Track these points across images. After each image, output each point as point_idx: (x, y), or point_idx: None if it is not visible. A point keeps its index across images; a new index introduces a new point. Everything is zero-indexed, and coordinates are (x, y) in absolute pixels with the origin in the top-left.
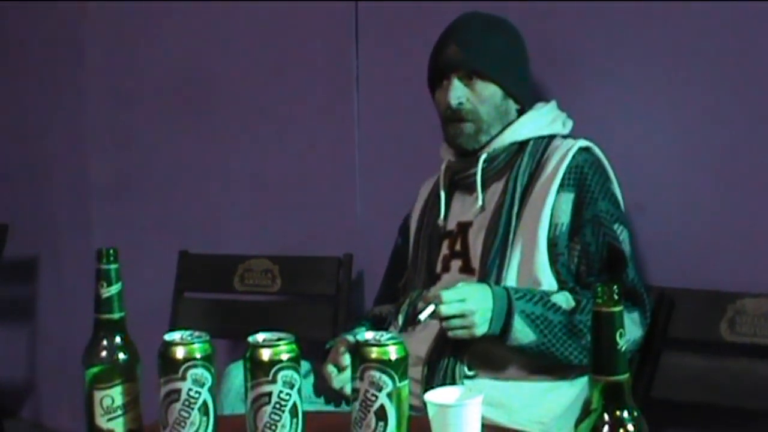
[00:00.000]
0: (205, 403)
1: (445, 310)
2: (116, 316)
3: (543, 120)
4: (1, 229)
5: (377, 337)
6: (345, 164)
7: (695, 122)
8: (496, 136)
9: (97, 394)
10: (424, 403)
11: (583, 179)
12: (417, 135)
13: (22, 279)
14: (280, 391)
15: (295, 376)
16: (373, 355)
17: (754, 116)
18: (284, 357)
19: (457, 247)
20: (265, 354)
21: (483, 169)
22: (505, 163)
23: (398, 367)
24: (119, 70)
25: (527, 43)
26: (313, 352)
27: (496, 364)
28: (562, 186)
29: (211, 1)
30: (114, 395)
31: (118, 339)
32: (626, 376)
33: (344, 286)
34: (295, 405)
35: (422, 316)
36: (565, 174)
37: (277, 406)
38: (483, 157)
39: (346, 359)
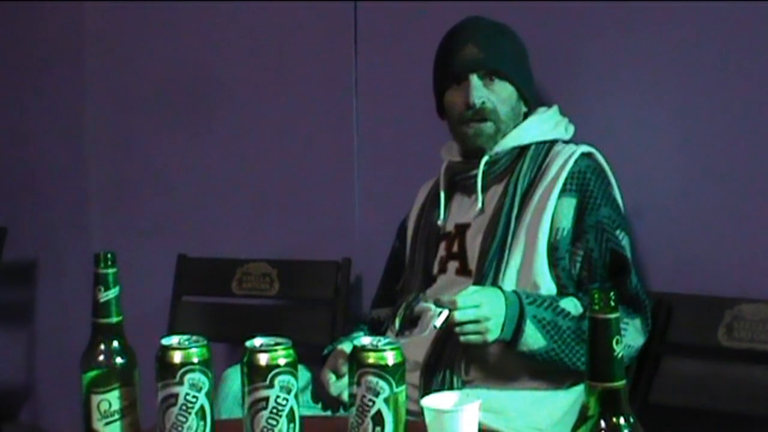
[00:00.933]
0: (202, 407)
1: (459, 316)
2: (114, 320)
3: (545, 125)
4: (0, 233)
5: (374, 342)
6: (343, 168)
7: (695, 128)
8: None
9: (95, 398)
10: (422, 409)
11: (586, 185)
12: (416, 138)
13: (21, 282)
14: (277, 396)
15: (293, 380)
16: (370, 360)
17: (754, 122)
18: (281, 362)
19: (455, 248)
20: (263, 359)
21: (484, 172)
22: (506, 167)
23: (395, 373)
24: (118, 73)
25: (529, 47)
26: (311, 356)
27: (494, 369)
28: (563, 191)
29: (210, 3)
30: (111, 399)
31: (115, 343)
32: (623, 382)
33: (342, 290)
34: (292, 410)
35: (437, 323)
36: (567, 179)
37: (274, 410)
38: (485, 159)
39: (345, 366)
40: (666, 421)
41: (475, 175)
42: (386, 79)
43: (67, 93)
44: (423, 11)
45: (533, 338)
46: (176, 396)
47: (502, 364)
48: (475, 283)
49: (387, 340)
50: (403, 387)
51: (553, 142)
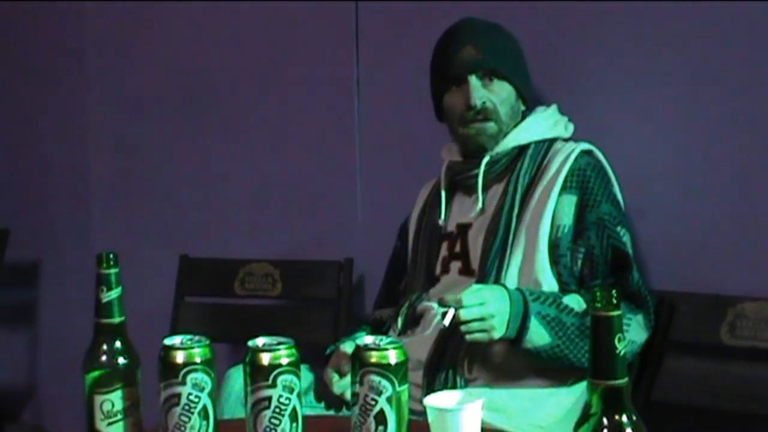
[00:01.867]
0: (205, 407)
1: (465, 314)
2: (116, 320)
3: (545, 124)
4: (2, 234)
5: (377, 342)
6: (346, 168)
7: (696, 126)
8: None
9: (98, 399)
10: (424, 408)
11: (586, 182)
12: (418, 138)
13: (23, 283)
14: (280, 396)
15: (295, 380)
16: (373, 360)
17: (756, 120)
18: (284, 361)
19: (457, 248)
20: (265, 358)
21: (484, 171)
22: (506, 166)
23: (398, 372)
24: (120, 74)
25: (528, 46)
26: (314, 355)
27: (497, 368)
28: (564, 188)
29: (210, 3)
30: (114, 400)
31: (118, 343)
32: (625, 380)
33: (345, 290)
34: (294, 409)
35: (446, 321)
36: (567, 177)
37: (277, 410)
38: (486, 159)
39: (347, 364)
40: (668, 419)
41: (476, 175)
42: (388, 79)
43: (68, 94)
44: (424, 11)
45: (538, 335)
46: (179, 396)
47: (505, 362)
48: (477, 282)
49: (389, 339)
50: (405, 386)
51: (552, 141)
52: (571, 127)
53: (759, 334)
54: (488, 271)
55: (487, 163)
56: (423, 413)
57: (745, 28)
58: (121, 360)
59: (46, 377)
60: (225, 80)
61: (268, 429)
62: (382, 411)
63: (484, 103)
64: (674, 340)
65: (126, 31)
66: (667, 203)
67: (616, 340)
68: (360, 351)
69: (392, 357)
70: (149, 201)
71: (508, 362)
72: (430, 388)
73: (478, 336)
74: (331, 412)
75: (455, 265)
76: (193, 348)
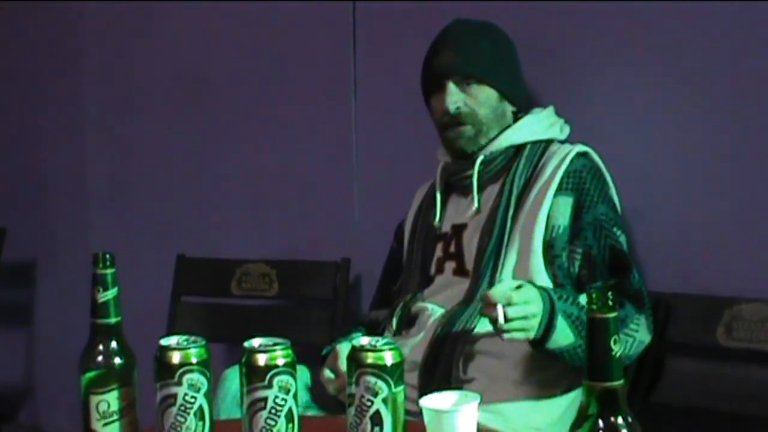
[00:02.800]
0: (201, 407)
1: (512, 312)
2: (112, 320)
3: (540, 124)
4: None
5: (373, 342)
6: (342, 168)
7: (692, 127)
8: (494, 138)
9: (93, 399)
10: (420, 408)
11: (582, 184)
12: (414, 139)
13: (20, 283)
14: (276, 396)
15: (291, 381)
16: (369, 361)
17: (752, 122)
18: (280, 362)
19: (451, 249)
20: (261, 359)
21: (479, 172)
22: (501, 167)
23: (394, 373)
24: (117, 74)
25: (524, 48)
26: (311, 356)
27: (492, 368)
28: (559, 189)
29: (209, 3)
30: (110, 400)
31: (114, 344)
32: (621, 382)
33: (341, 290)
34: (290, 410)
35: (501, 319)
36: (563, 178)
37: (273, 411)
38: (480, 159)
39: (344, 365)
40: (665, 420)
41: (471, 176)
42: (385, 79)
43: (66, 93)
44: (421, 12)
45: (564, 334)
46: (175, 396)
47: (499, 362)
48: (472, 283)
49: (385, 340)
50: (401, 387)
51: (548, 142)
52: (567, 129)
53: (755, 336)
54: (483, 272)
55: (481, 164)
56: (419, 414)
57: (743, 28)
58: (117, 360)
59: (43, 377)
60: (222, 81)
61: (264, 430)
62: (378, 412)
63: (458, 108)
64: (671, 341)
65: (124, 32)
66: (664, 205)
67: (612, 342)
68: (356, 352)
69: (388, 358)
70: (146, 201)
71: (504, 362)
72: (425, 390)
73: (517, 335)
74: (327, 413)
75: (449, 266)
76: (189, 348)
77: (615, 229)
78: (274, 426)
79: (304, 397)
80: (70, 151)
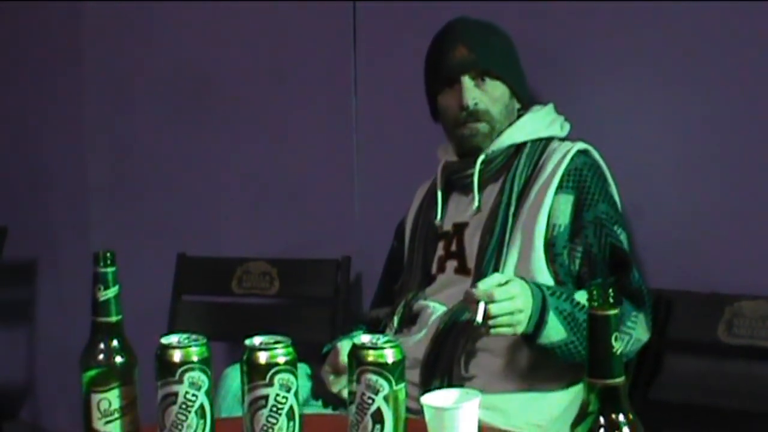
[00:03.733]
0: (202, 406)
1: (496, 309)
2: (113, 319)
3: (540, 122)
4: (0, 232)
5: (374, 340)
6: (343, 166)
7: (692, 124)
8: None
9: (95, 397)
10: (422, 406)
11: (583, 182)
12: (415, 137)
13: (21, 282)
14: (277, 394)
15: (292, 379)
16: (370, 358)
17: (752, 118)
18: (281, 360)
19: (453, 247)
20: (262, 357)
21: (480, 170)
22: (501, 165)
23: (395, 370)
24: (118, 72)
25: (524, 46)
26: (312, 354)
27: (493, 366)
28: (560, 188)
29: (209, 2)
30: (111, 398)
31: (115, 342)
32: (622, 379)
33: (342, 288)
34: (291, 408)
35: (479, 318)
36: (563, 176)
37: (274, 409)
38: (481, 158)
39: (345, 362)
40: (666, 417)
41: (472, 174)
42: (385, 78)
43: (66, 92)
44: (421, 11)
45: (555, 330)
46: (176, 395)
47: (501, 360)
48: (474, 281)
49: (386, 338)
50: (402, 385)
51: (548, 140)
52: (567, 127)
53: (756, 333)
54: (484, 270)
55: (482, 162)
56: (420, 412)
57: (744, 28)
58: (118, 359)
59: (44, 375)
60: (222, 79)
61: (265, 428)
62: (379, 410)
63: (476, 104)
64: (671, 338)
65: (123, 32)
66: (664, 202)
67: (612, 339)
68: (357, 350)
69: (389, 356)
70: (147, 199)
71: (505, 360)
72: (426, 387)
73: (503, 330)
74: (329, 410)
75: (451, 264)
76: (190, 347)
77: (615, 227)
78: (275, 424)
79: (305, 394)
80: (71, 150)
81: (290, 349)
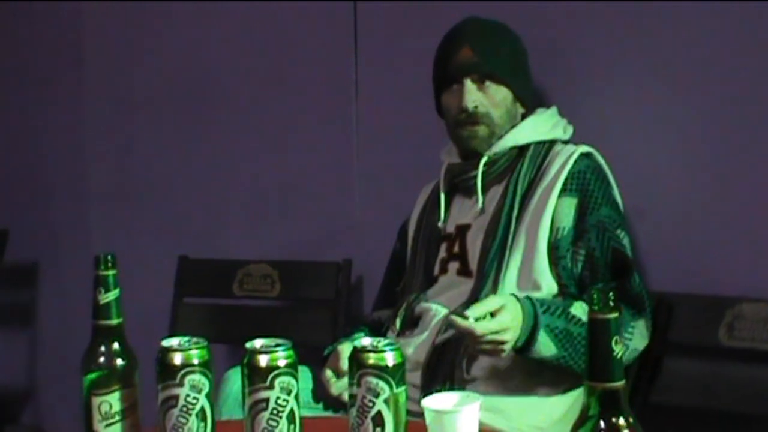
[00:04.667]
0: (202, 408)
1: (480, 344)
2: (114, 322)
3: (544, 125)
4: (1, 234)
5: (374, 343)
6: (344, 169)
7: (694, 128)
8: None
9: (95, 400)
10: (423, 409)
11: (586, 185)
12: (416, 139)
13: (22, 284)
14: (278, 397)
15: (293, 382)
16: (370, 361)
17: (754, 121)
18: (281, 363)
19: (455, 249)
20: (263, 360)
21: (483, 173)
22: (505, 167)
23: (395, 373)
24: (119, 74)
25: (528, 48)
26: (313, 356)
27: (494, 368)
28: (563, 191)
29: (210, 3)
30: (112, 401)
31: (116, 345)
32: (622, 382)
33: (343, 290)
34: (292, 411)
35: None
36: (566, 179)
37: (275, 412)
38: (484, 160)
39: (345, 365)
40: (667, 420)
41: (475, 176)
42: (386, 79)
43: (67, 94)
44: (422, 12)
45: (546, 347)
46: (177, 397)
47: (503, 363)
48: (476, 283)
49: (387, 341)
50: (403, 388)
51: (552, 143)
52: (570, 129)
53: (757, 335)
54: (487, 272)
55: (485, 164)
56: (422, 414)
57: (745, 28)
58: (119, 361)
59: (45, 379)
60: (223, 81)
61: (265, 430)
62: (379, 413)
63: (476, 107)
64: (673, 341)
65: (124, 33)
66: (666, 204)
67: (613, 343)
68: (357, 353)
69: (390, 359)
70: (148, 202)
71: (506, 362)
72: (428, 389)
73: (488, 347)
74: (329, 413)
75: (453, 266)
76: (190, 350)
77: (618, 230)
78: (275, 427)
79: (305, 397)
80: (72, 152)
81: (291, 352)
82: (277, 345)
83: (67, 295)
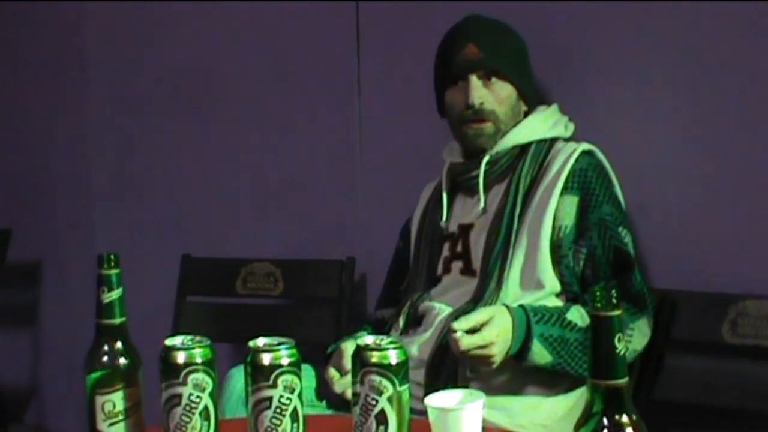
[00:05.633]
0: (206, 407)
1: (465, 346)
2: (117, 321)
3: (545, 123)
4: (4, 234)
5: (378, 341)
6: (347, 167)
7: (696, 125)
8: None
9: (99, 399)
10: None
11: (588, 183)
12: (419, 138)
13: (25, 284)
14: (281, 396)
15: (296, 380)
16: (374, 360)
17: (756, 118)
18: (284, 361)
19: (458, 248)
20: (266, 358)
21: (485, 171)
22: (507, 166)
23: (399, 371)
24: (121, 73)
25: (530, 46)
26: (316, 355)
27: (498, 366)
28: (565, 189)
29: (212, 3)
30: (115, 400)
31: (119, 344)
32: (625, 380)
33: (347, 289)
34: (295, 409)
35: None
36: (568, 177)
37: (278, 410)
38: (486, 159)
39: (348, 363)
40: (670, 418)
41: (477, 176)
42: (389, 78)
43: (69, 94)
44: (424, 11)
45: (540, 355)
46: (180, 396)
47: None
48: (479, 282)
49: (390, 339)
50: (406, 386)
51: (553, 141)
52: (571, 127)
53: (761, 332)
54: (490, 271)
55: (487, 163)
56: (425, 412)
57: (745, 27)
58: (122, 360)
59: (48, 378)
60: (226, 80)
61: (269, 429)
62: (383, 411)
63: (482, 103)
64: (676, 338)
65: (126, 31)
66: (669, 202)
67: (616, 340)
68: (361, 351)
69: (393, 357)
70: (151, 201)
71: (509, 362)
72: (431, 387)
73: (478, 360)
74: (333, 412)
75: (456, 265)
76: (194, 348)
77: (620, 228)
78: (279, 425)
79: (309, 396)
80: (74, 151)
81: (294, 351)
82: (280, 343)
83: (70, 295)
